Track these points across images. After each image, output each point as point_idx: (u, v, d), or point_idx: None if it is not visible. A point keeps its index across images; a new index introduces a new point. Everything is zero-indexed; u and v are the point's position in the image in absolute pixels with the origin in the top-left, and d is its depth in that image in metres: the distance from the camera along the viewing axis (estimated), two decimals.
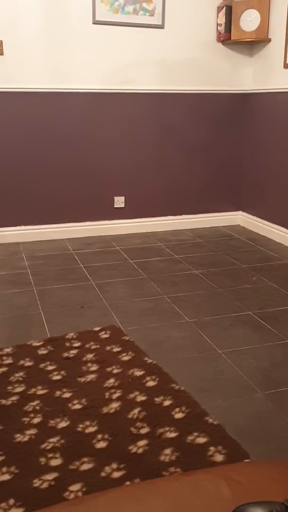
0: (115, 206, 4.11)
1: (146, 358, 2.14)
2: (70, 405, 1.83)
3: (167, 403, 1.83)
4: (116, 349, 2.22)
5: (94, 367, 2.08)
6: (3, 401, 1.85)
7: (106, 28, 3.73)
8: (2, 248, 3.75)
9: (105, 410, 1.80)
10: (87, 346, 2.26)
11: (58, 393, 1.90)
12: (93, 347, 2.25)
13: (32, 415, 1.77)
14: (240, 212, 4.48)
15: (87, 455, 1.57)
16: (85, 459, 1.55)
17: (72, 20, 3.64)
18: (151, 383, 1.95)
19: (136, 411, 1.79)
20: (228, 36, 3.94)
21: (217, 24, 3.99)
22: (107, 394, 1.89)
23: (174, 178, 4.23)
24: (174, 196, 4.26)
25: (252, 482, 0.93)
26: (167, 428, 1.69)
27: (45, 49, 3.64)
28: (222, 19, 3.93)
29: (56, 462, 1.55)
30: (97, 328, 2.43)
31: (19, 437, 1.66)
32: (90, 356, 2.17)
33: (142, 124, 4.02)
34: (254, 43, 4.01)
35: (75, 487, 1.45)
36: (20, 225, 3.91)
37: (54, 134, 3.82)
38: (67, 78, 3.74)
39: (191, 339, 2.36)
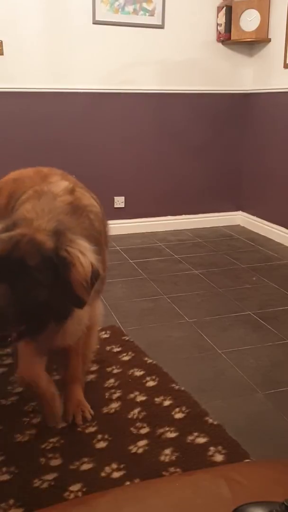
0: (115, 206, 4.11)
1: (146, 358, 2.14)
2: None
3: (167, 403, 1.83)
4: (116, 349, 2.22)
5: (94, 367, 2.07)
6: (3, 401, 1.85)
7: (106, 28, 3.73)
8: None
9: (105, 410, 1.80)
10: None
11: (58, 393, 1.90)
12: None
13: (32, 415, 1.77)
14: (240, 212, 4.48)
15: (87, 455, 1.57)
16: (85, 459, 1.55)
17: (72, 20, 3.64)
18: (151, 383, 1.95)
19: (136, 411, 1.79)
20: (228, 36, 3.94)
21: (217, 24, 3.99)
22: (107, 394, 1.89)
23: (174, 178, 4.22)
24: (174, 196, 4.26)
25: (252, 482, 0.93)
26: (167, 428, 1.69)
27: (45, 49, 3.63)
28: (222, 19, 3.92)
29: (56, 462, 1.55)
30: None
31: (19, 437, 1.66)
32: None
33: (142, 124, 4.02)
34: (254, 43, 4.01)
35: (75, 487, 1.44)
36: None
37: (54, 134, 3.82)
38: (67, 78, 3.74)
39: (191, 339, 2.36)
